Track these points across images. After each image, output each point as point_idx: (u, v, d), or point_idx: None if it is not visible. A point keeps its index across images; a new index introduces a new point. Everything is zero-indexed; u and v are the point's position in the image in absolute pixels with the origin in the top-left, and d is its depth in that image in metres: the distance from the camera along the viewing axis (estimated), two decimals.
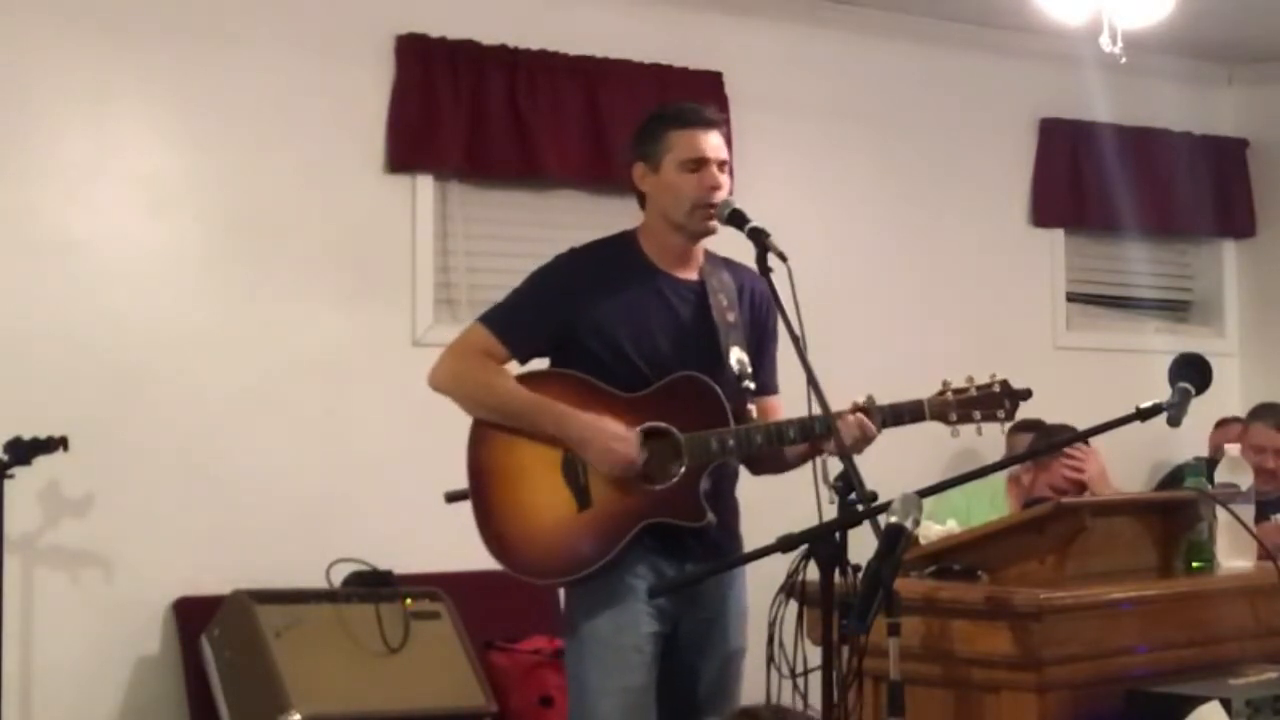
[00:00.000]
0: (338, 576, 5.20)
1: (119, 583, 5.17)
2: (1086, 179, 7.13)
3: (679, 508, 3.75)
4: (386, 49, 5.65)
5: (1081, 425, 3.54)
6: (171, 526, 5.23)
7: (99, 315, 5.19)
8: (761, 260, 3.72)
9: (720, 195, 3.82)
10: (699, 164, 3.82)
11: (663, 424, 3.75)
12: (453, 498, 3.89)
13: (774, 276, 3.72)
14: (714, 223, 3.84)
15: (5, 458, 4.80)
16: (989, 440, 6.16)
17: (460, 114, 5.71)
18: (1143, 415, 3.41)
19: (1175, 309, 7.65)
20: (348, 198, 5.60)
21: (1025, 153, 7.04)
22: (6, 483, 4.78)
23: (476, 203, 5.88)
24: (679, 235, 3.86)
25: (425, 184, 5.74)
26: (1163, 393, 3.47)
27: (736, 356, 3.82)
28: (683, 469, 3.73)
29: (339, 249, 5.57)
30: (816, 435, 3.70)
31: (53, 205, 5.16)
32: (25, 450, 4.82)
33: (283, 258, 5.48)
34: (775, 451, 3.83)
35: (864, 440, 3.73)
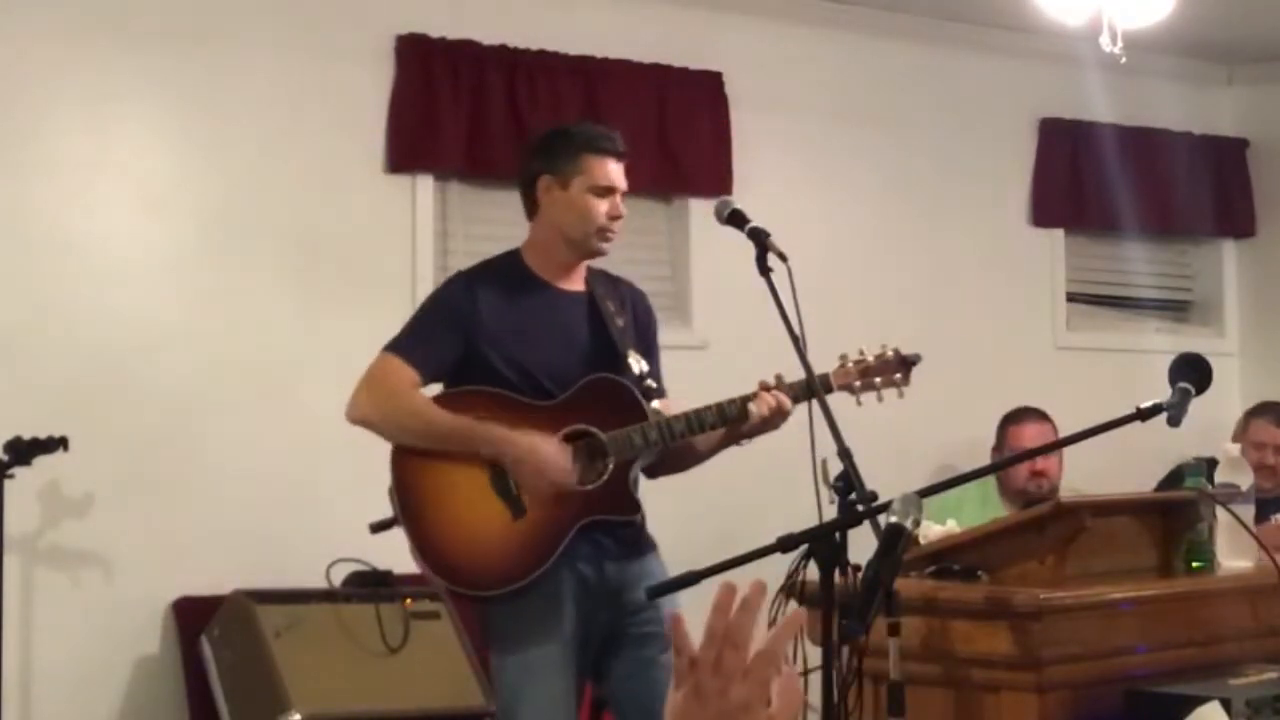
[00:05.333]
0: (338, 576, 5.20)
1: (119, 583, 5.17)
2: (1086, 179, 7.12)
3: (611, 504, 3.86)
4: (386, 49, 5.65)
5: (1081, 425, 3.54)
6: (171, 526, 5.23)
7: (99, 315, 5.19)
8: (761, 260, 3.76)
9: (619, 225, 3.97)
10: (608, 191, 3.94)
11: (583, 426, 3.82)
12: (378, 527, 3.95)
13: (774, 276, 3.74)
14: (608, 246, 3.98)
15: (5, 458, 4.79)
16: (975, 442, 6.20)
17: (460, 114, 5.71)
18: (1143, 415, 3.41)
19: (1175, 309, 7.64)
20: (348, 198, 5.60)
21: (1025, 153, 7.04)
22: (6, 483, 4.78)
23: (476, 203, 5.88)
24: (572, 251, 3.99)
25: (425, 184, 5.74)
26: (1163, 393, 3.47)
27: (634, 360, 3.92)
28: (611, 467, 3.79)
29: (339, 249, 5.57)
30: (733, 418, 3.86)
31: (53, 205, 5.16)
32: (25, 450, 4.82)
33: (282, 258, 5.48)
34: (683, 446, 3.92)
35: (780, 415, 3.88)
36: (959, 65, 6.85)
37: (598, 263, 4.08)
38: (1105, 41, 5.12)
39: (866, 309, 6.51)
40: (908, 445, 5.78)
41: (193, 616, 5.13)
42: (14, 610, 4.91)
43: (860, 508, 3.30)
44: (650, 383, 3.94)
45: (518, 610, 3.83)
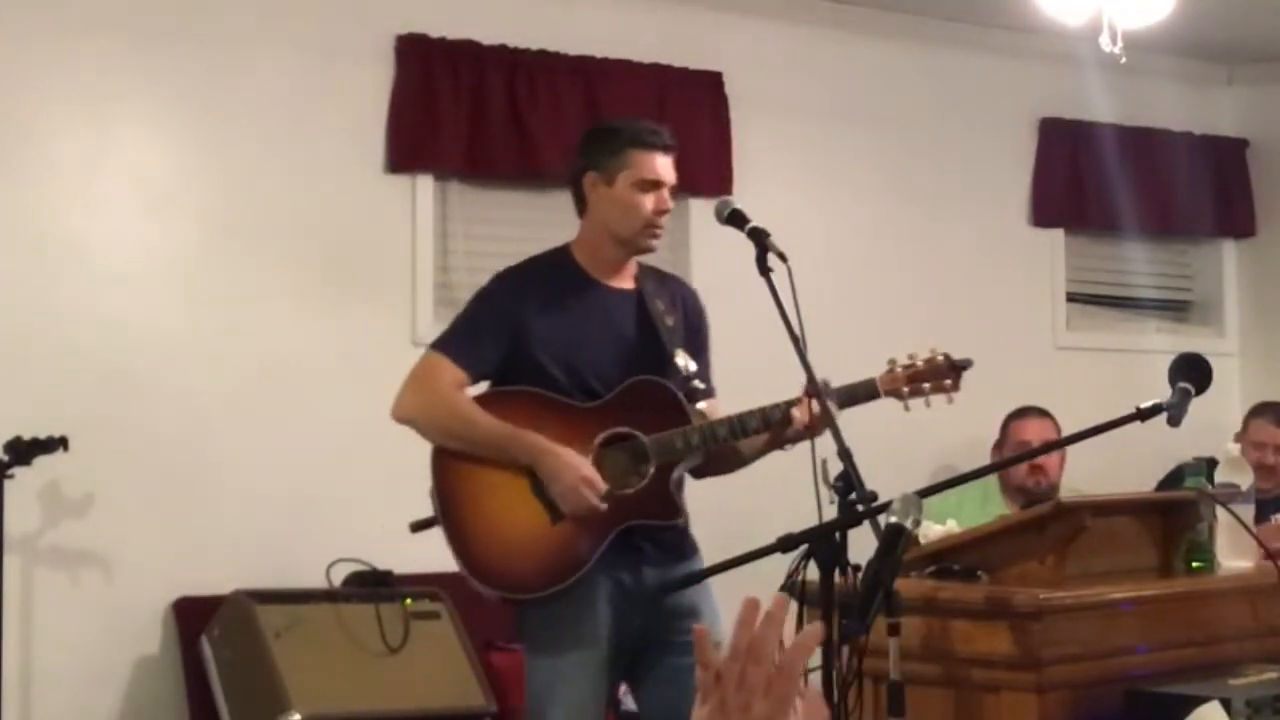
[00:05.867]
0: (338, 576, 5.20)
1: (119, 583, 5.17)
2: (1086, 179, 7.12)
3: (652, 508, 3.81)
4: (386, 49, 5.65)
5: (1081, 425, 3.54)
6: (171, 526, 5.23)
7: (99, 315, 5.19)
8: (761, 260, 3.75)
9: (666, 219, 3.93)
10: (654, 185, 3.89)
11: (625, 429, 3.79)
12: (418, 526, 3.92)
13: (774, 276, 3.74)
14: (656, 242, 3.94)
15: (5, 458, 4.79)
16: (975, 442, 6.20)
17: (460, 114, 5.71)
18: (1143, 415, 3.41)
19: (1175, 309, 7.64)
20: (348, 198, 5.60)
21: (1025, 153, 7.04)
22: (6, 483, 4.78)
23: (476, 203, 5.88)
24: (620, 248, 3.94)
25: (425, 184, 5.74)
26: (1163, 393, 3.47)
27: (682, 359, 3.88)
28: (651, 470, 3.77)
29: (339, 249, 5.57)
30: (776, 423, 3.80)
31: (53, 205, 5.16)
32: (25, 450, 4.82)
33: (282, 258, 5.48)
34: (727, 449, 3.87)
35: (823, 420, 3.77)
36: (959, 65, 6.85)
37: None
38: (1105, 41, 5.12)
39: (866, 309, 6.51)
40: (908, 445, 5.77)
41: (193, 616, 5.13)
42: (14, 610, 4.91)
43: (860, 508, 3.30)
44: (697, 383, 3.88)
45: (553, 613, 3.80)
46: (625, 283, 3.97)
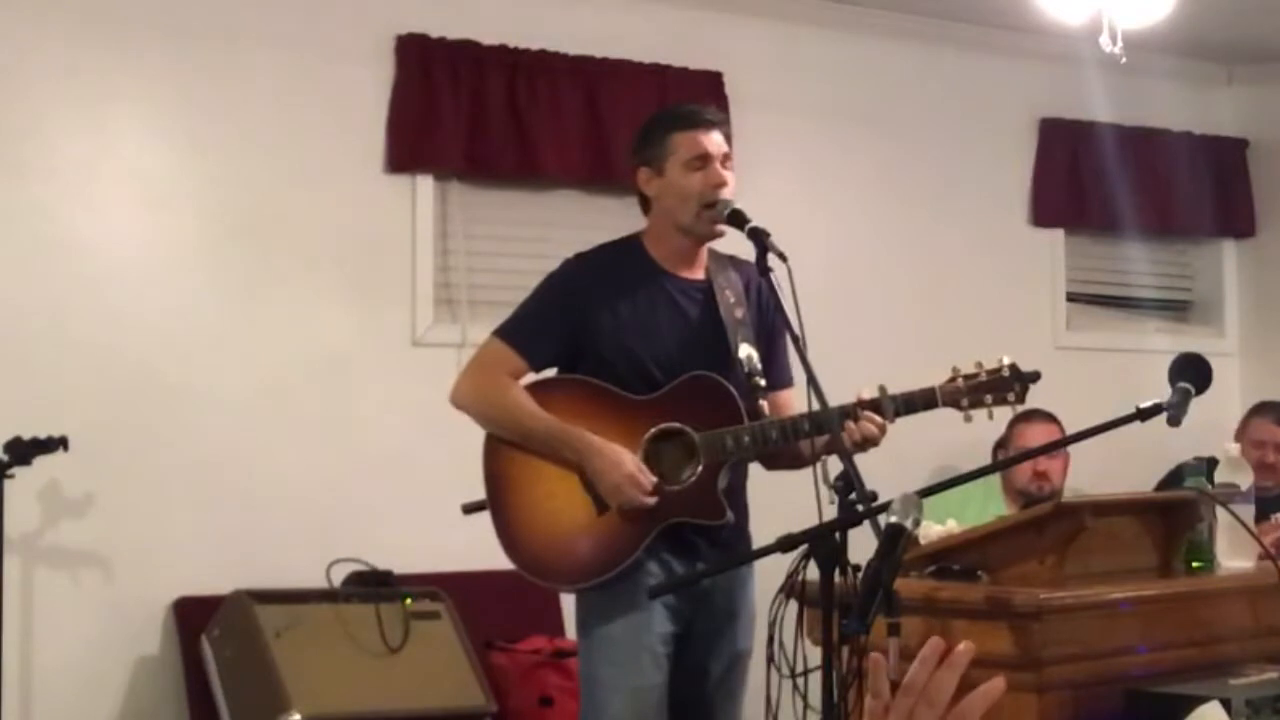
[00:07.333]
0: (338, 576, 5.20)
1: (119, 583, 5.17)
2: (1086, 179, 7.13)
3: (698, 507, 3.77)
4: (386, 49, 5.65)
5: (1081, 425, 3.53)
6: (171, 526, 5.23)
7: (99, 315, 5.19)
8: (761, 260, 3.74)
9: (726, 192, 3.86)
10: (704, 161, 3.86)
11: (676, 424, 3.77)
12: (470, 509, 3.90)
13: (773, 276, 3.74)
14: (721, 225, 3.87)
15: (5, 458, 4.79)
16: (976, 442, 6.20)
17: (460, 114, 5.71)
18: (1143, 415, 3.41)
19: (1175, 309, 7.65)
20: (348, 198, 5.60)
21: (1025, 153, 7.04)
22: (6, 483, 4.78)
23: (476, 203, 5.88)
24: (686, 237, 3.90)
25: (425, 184, 5.74)
26: (1163, 393, 3.47)
27: (746, 353, 3.84)
28: (699, 468, 3.74)
29: (339, 249, 5.57)
30: (830, 429, 3.70)
31: (53, 205, 5.16)
32: (25, 450, 4.82)
33: (282, 258, 5.48)
34: (791, 447, 3.84)
35: (870, 433, 3.74)
36: (959, 65, 6.85)
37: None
38: (1105, 41, 5.12)
39: (866, 309, 6.51)
40: (908, 445, 5.77)
41: (193, 616, 5.13)
42: (14, 610, 4.91)
43: (860, 508, 3.29)
44: (759, 379, 3.83)
45: (609, 603, 3.79)
46: (695, 273, 3.93)
